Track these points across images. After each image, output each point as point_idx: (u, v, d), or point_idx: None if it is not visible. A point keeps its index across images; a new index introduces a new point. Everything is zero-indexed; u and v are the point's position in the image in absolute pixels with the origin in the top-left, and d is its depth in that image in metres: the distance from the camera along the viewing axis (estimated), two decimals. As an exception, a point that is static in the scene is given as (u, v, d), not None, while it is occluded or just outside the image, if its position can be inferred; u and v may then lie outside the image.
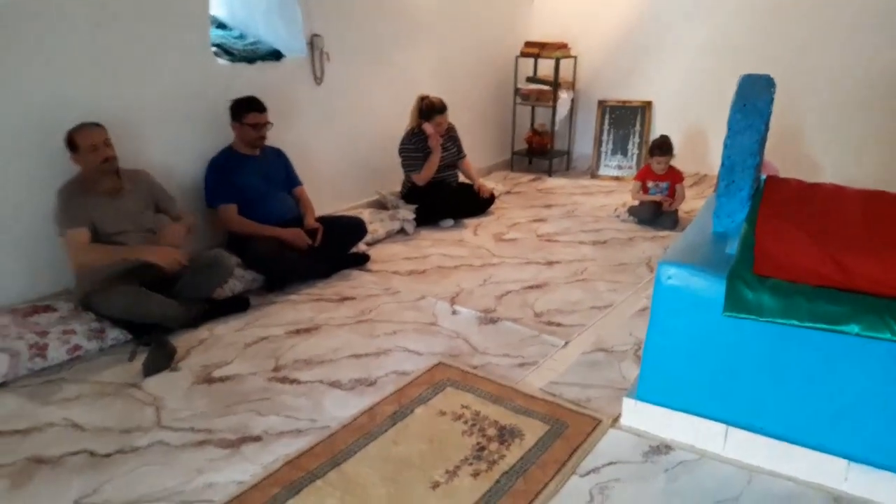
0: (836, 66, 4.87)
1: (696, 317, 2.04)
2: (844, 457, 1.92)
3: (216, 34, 4.11)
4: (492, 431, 2.20)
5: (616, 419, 2.27)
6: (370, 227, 4.18)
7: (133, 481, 1.94)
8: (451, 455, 2.07)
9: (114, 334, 2.74)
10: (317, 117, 4.28)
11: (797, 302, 1.87)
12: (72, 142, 2.75)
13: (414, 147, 4.49)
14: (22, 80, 2.83)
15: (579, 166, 6.11)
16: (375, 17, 4.51)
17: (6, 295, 2.85)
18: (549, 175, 5.85)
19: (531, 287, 3.46)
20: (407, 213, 4.43)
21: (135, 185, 2.99)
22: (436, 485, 1.94)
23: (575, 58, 5.80)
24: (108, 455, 2.06)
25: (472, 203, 4.71)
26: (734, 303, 1.93)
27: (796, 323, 1.86)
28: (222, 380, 2.52)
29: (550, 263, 3.80)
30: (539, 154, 6.01)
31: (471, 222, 4.57)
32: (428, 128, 4.44)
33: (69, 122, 2.80)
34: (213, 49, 3.83)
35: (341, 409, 2.33)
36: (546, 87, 5.68)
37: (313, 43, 4.15)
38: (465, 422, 2.25)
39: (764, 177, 2.37)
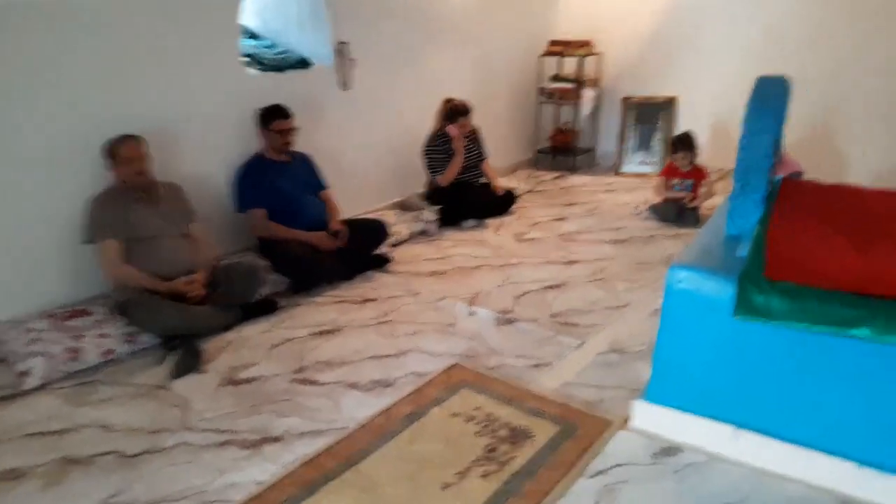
0: (874, 67, 4.72)
1: (707, 320, 2.05)
2: (855, 461, 1.91)
3: (248, 44, 4.21)
4: (503, 433, 2.24)
5: (627, 421, 2.29)
6: (394, 229, 4.26)
7: (159, 481, 2.04)
8: (464, 456, 2.12)
9: (145, 338, 2.86)
10: (343, 122, 4.37)
11: (808, 305, 1.87)
12: (111, 152, 2.88)
13: (438, 149, 4.55)
14: (73, 86, 2.95)
15: (604, 163, 6.10)
16: (400, 22, 4.58)
17: (46, 299, 2.99)
18: (573, 173, 5.84)
19: (550, 287, 3.49)
20: (430, 214, 4.49)
21: (169, 193, 3.11)
22: (447, 485, 1.99)
23: (599, 55, 5.77)
24: (136, 455, 2.16)
25: (495, 203, 4.74)
26: (744, 306, 1.94)
27: (806, 326, 1.86)
28: (247, 381, 2.61)
29: (570, 263, 3.82)
30: (563, 152, 6.01)
31: (493, 222, 4.61)
32: (452, 130, 4.50)
33: (109, 131, 2.93)
34: (245, 59, 3.94)
35: (360, 409, 2.40)
36: (569, 86, 5.67)
37: (340, 50, 4.23)
38: (478, 423, 2.29)
39: (779, 177, 2.35)
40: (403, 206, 4.77)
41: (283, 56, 4.18)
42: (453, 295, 3.40)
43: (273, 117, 3.54)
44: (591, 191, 5.35)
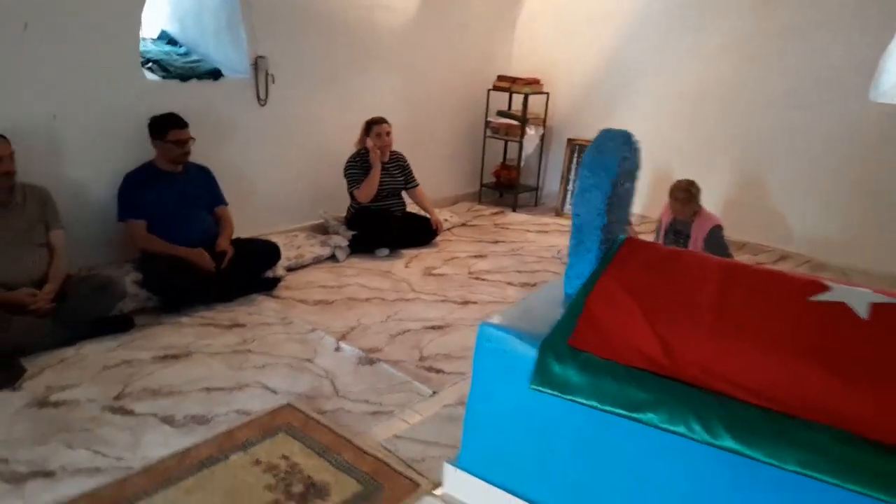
0: (807, 122, 4.59)
1: (512, 386, 1.88)
2: (645, 559, 1.72)
3: (159, 50, 4.12)
4: (298, 488, 2.05)
5: (437, 486, 2.10)
6: (299, 251, 4.12)
7: None
8: (242, 511, 1.94)
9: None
10: (258, 138, 4.24)
11: (604, 382, 1.70)
12: None
13: (357, 165, 4.42)
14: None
15: (548, 203, 5.95)
16: (328, 40, 4.46)
17: None
18: (514, 210, 5.69)
19: (432, 327, 3.32)
20: (340, 239, 4.34)
21: (27, 200, 2.96)
22: (205, 544, 1.81)
23: (547, 94, 5.66)
24: None
25: (415, 234, 4.60)
26: (541, 375, 1.77)
27: (597, 405, 1.68)
28: (56, 404, 2.43)
29: (466, 303, 3.65)
30: (507, 188, 5.87)
31: (409, 253, 4.45)
32: (369, 142, 4.38)
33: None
34: (150, 65, 3.83)
35: (158, 448, 2.21)
36: (515, 122, 5.55)
37: (258, 64, 4.12)
38: (276, 475, 2.11)
39: (622, 237, 2.19)
40: (322, 229, 4.63)
41: (194, 65, 4.10)
42: (327, 328, 3.23)
43: (168, 126, 3.40)
44: (524, 230, 5.19)
